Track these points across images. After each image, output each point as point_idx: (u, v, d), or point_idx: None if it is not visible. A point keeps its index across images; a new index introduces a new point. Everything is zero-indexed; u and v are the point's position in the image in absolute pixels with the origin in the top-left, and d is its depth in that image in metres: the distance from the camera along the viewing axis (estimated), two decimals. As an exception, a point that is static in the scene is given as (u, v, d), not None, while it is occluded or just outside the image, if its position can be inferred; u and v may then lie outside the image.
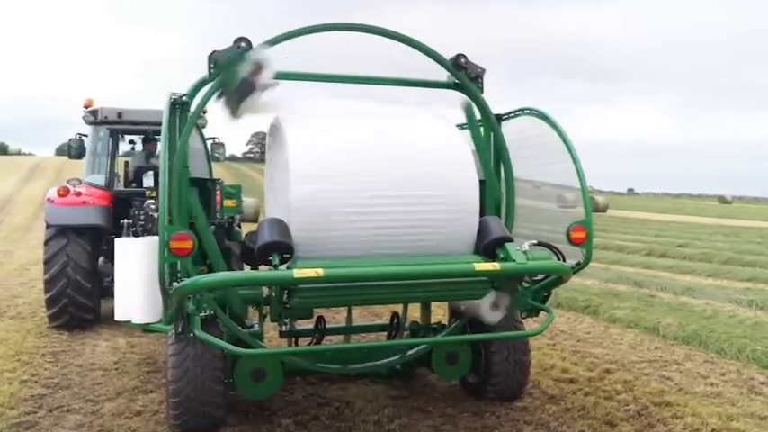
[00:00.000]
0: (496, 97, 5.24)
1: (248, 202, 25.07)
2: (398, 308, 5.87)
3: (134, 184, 9.15)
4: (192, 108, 4.69)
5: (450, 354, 5.39)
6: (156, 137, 9.09)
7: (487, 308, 4.93)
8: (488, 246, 4.70)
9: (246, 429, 4.97)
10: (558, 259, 4.96)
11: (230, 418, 5.04)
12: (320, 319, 5.62)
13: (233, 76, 4.42)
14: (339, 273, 4.14)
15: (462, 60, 5.16)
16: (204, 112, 8.12)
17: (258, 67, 4.39)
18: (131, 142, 9.90)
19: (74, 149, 9.40)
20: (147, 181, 8.93)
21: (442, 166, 4.71)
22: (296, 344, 5.59)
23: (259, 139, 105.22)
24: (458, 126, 5.45)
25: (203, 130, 9.09)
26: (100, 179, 8.80)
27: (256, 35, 4.57)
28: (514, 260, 4.54)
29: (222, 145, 9.52)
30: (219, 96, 4.53)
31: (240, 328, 4.80)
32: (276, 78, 4.75)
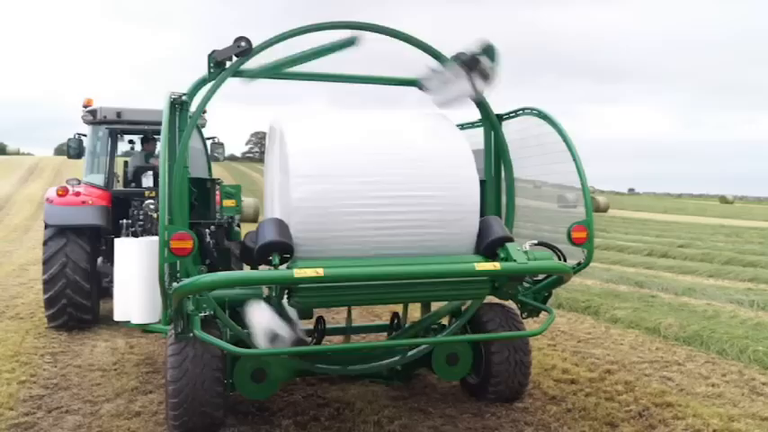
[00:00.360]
0: (498, 96, 5.23)
1: (248, 201, 25.17)
2: (398, 308, 5.87)
3: (133, 184, 9.15)
4: (192, 108, 4.70)
5: (450, 354, 5.40)
6: (156, 136, 9.10)
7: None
8: (489, 246, 4.70)
9: (246, 430, 4.97)
10: (559, 259, 4.97)
11: (230, 418, 5.04)
12: (320, 320, 5.63)
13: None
14: (339, 273, 4.14)
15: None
16: (204, 112, 8.13)
17: (491, 71, 4.47)
18: (131, 142, 9.92)
19: (73, 149, 9.41)
20: (146, 181, 8.93)
21: (443, 166, 4.71)
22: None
23: (258, 139, 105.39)
24: (458, 126, 5.45)
25: (203, 130, 9.11)
26: (99, 179, 8.80)
27: (256, 34, 4.59)
28: (515, 260, 4.54)
29: (221, 145, 9.53)
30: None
31: (240, 328, 4.80)
32: (277, 78, 4.76)
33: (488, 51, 4.69)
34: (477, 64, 4.73)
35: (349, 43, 4.76)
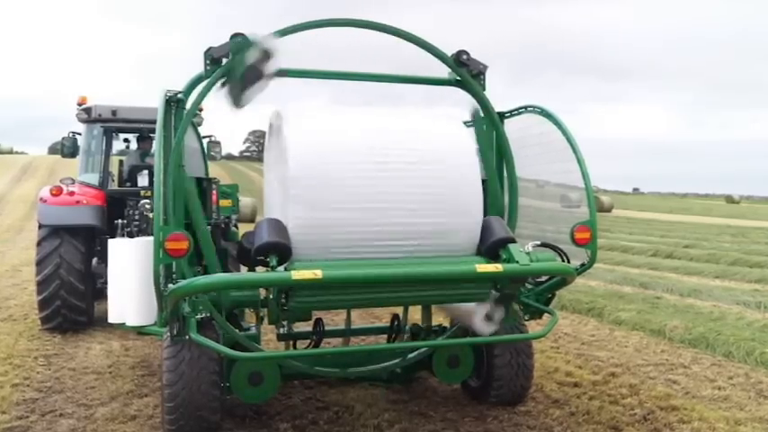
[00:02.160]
0: (502, 95, 5.24)
1: (245, 201, 25.13)
2: (399, 310, 5.86)
3: (128, 184, 9.15)
4: (188, 105, 4.69)
5: (451, 357, 5.39)
6: (151, 135, 9.10)
7: (481, 319, 4.91)
8: (491, 247, 4.69)
9: (243, 434, 4.97)
10: (562, 260, 4.96)
11: (227, 422, 5.04)
12: (319, 322, 5.62)
13: (240, 62, 4.40)
14: (339, 275, 4.13)
15: (464, 57, 5.16)
16: (200, 110, 8.13)
17: (266, 55, 4.36)
18: (126, 140, 9.91)
19: (67, 148, 9.40)
20: (142, 180, 8.93)
21: (445, 165, 4.70)
22: (294, 347, 5.59)
23: (256, 138, 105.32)
24: (464, 123, 5.44)
25: (199, 128, 9.10)
26: (93, 178, 8.79)
27: (256, 32, 4.57)
28: (517, 261, 4.52)
29: (218, 143, 9.53)
30: (224, 84, 4.51)
31: (237, 330, 4.80)
32: (277, 75, 4.74)
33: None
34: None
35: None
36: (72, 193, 8.22)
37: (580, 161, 4.93)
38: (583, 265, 5.00)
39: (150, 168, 8.88)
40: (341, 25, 4.76)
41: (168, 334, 4.62)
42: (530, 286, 5.27)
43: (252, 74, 4.42)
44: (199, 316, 4.44)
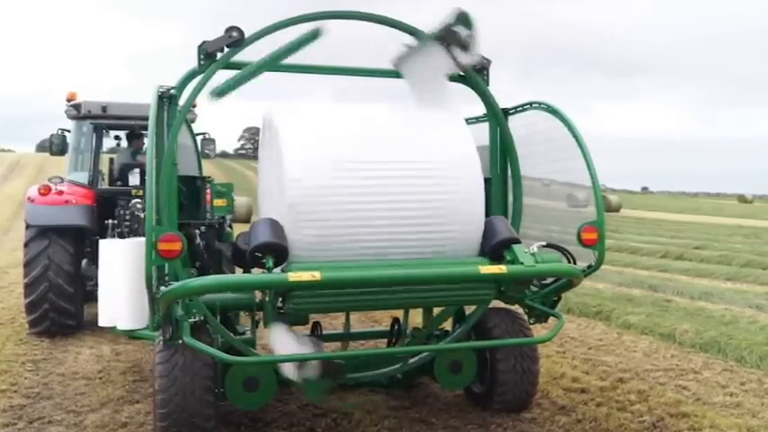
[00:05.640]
0: (509, 91, 5.23)
1: (240, 201, 25.12)
2: (399, 313, 5.86)
3: (119, 183, 9.15)
4: (181, 102, 4.69)
5: (453, 362, 5.39)
6: (143, 132, 9.10)
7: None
8: (494, 247, 4.70)
9: (238, 442, 4.97)
10: (569, 262, 4.97)
11: (221, 429, 5.04)
12: (317, 326, 5.63)
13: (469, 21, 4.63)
14: (337, 277, 4.13)
15: (467, 52, 5.15)
16: (194, 106, 8.13)
17: (470, 39, 4.61)
18: (116, 138, 9.91)
19: (55, 145, 9.40)
20: (133, 179, 8.93)
21: (446, 164, 4.71)
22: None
23: (251, 135, 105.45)
24: (465, 120, 5.45)
25: (193, 125, 9.11)
26: (83, 177, 8.80)
27: (255, 28, 4.58)
28: (522, 263, 4.53)
29: (213, 141, 9.54)
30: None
31: (232, 334, 4.80)
32: (275, 70, 4.74)
33: (463, 20, 4.72)
34: (453, 36, 4.76)
35: (313, 36, 4.61)
36: (61, 193, 8.22)
37: (587, 159, 4.93)
38: (590, 266, 5.01)
39: (142, 167, 8.88)
40: (341, 17, 4.76)
41: (161, 338, 4.64)
42: (535, 288, 5.28)
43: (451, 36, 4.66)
44: (192, 319, 4.44)
